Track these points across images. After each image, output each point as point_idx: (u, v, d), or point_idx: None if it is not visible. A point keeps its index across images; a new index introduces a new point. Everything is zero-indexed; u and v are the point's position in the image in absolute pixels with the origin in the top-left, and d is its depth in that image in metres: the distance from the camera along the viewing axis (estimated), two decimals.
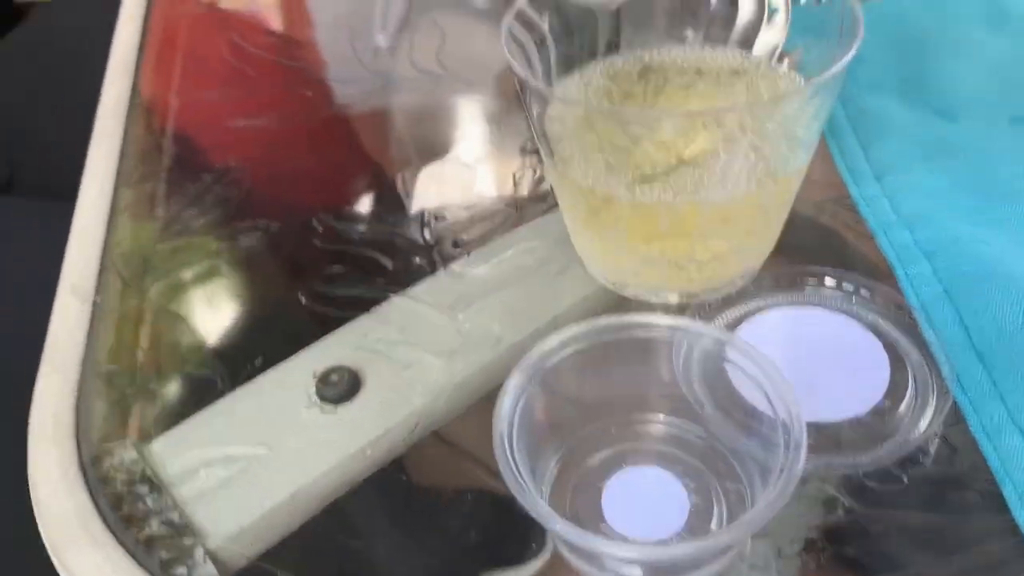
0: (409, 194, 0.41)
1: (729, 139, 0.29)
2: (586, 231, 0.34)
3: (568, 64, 0.35)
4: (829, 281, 0.33)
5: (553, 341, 0.28)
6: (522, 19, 0.33)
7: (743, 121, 0.29)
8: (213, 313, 0.37)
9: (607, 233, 0.33)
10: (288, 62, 0.51)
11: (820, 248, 0.36)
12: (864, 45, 0.43)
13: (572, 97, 0.33)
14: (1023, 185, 0.35)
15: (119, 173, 0.44)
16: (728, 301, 0.33)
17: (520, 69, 0.30)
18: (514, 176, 0.42)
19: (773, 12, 0.35)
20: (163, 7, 0.58)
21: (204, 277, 0.38)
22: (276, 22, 0.59)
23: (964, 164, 0.37)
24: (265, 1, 0.61)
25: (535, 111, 0.31)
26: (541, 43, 0.34)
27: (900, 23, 0.46)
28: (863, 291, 0.32)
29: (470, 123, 0.45)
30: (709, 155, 0.29)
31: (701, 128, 0.29)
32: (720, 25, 0.36)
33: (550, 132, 0.31)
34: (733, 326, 0.32)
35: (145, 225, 0.41)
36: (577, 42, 0.35)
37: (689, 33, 0.36)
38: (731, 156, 0.29)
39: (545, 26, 0.34)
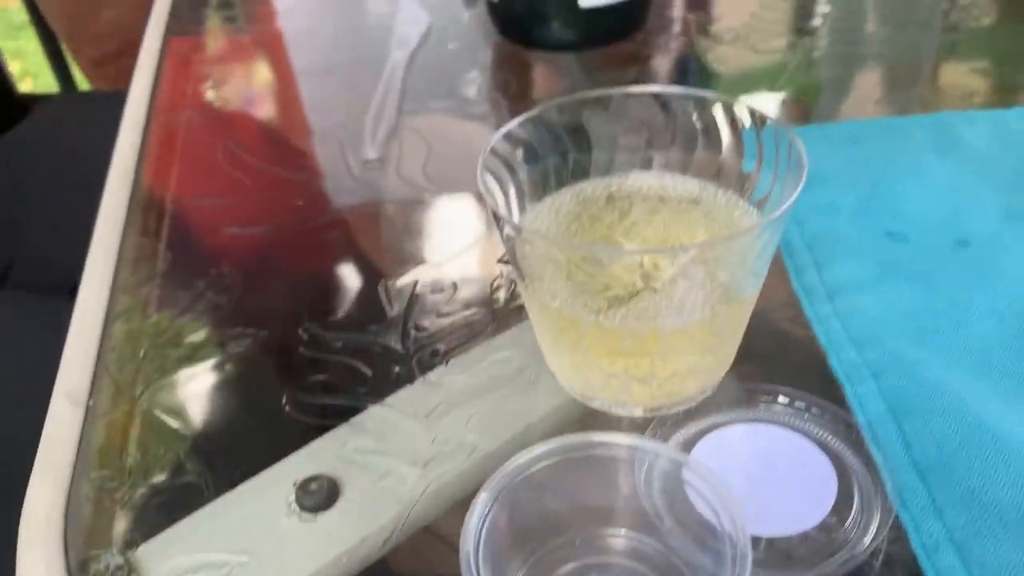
0: (391, 303, 0.43)
1: (685, 270, 0.32)
2: (555, 347, 0.36)
3: (541, 189, 0.38)
4: (782, 399, 0.35)
5: (520, 459, 0.29)
6: (497, 153, 0.35)
7: (698, 254, 0.31)
8: (201, 419, 0.39)
9: (574, 350, 0.35)
10: (282, 171, 0.54)
11: (776, 365, 0.38)
12: (823, 166, 0.47)
13: (538, 230, 0.36)
14: (963, 308, 0.38)
15: (116, 278, 0.47)
16: (689, 415, 0.35)
17: (492, 202, 0.32)
18: (492, 286, 0.44)
19: (729, 143, 0.38)
20: (164, 113, 0.61)
21: (194, 383, 0.40)
22: (274, 130, 0.62)
23: (911, 286, 0.39)
24: (265, 109, 0.64)
25: (506, 235, 0.34)
26: (514, 172, 0.37)
27: (857, 145, 0.49)
28: (814, 409, 0.34)
29: (451, 234, 0.48)
30: (667, 283, 0.32)
31: (659, 259, 0.32)
32: (682, 152, 0.39)
33: (520, 257, 0.33)
34: (692, 441, 0.34)
35: (139, 330, 0.43)
36: (549, 170, 0.38)
37: (655, 159, 0.39)
38: (687, 285, 0.32)
39: (519, 157, 0.37)
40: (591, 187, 0.39)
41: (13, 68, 2.68)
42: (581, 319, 0.33)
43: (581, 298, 0.33)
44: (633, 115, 0.38)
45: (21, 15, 1.40)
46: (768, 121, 0.35)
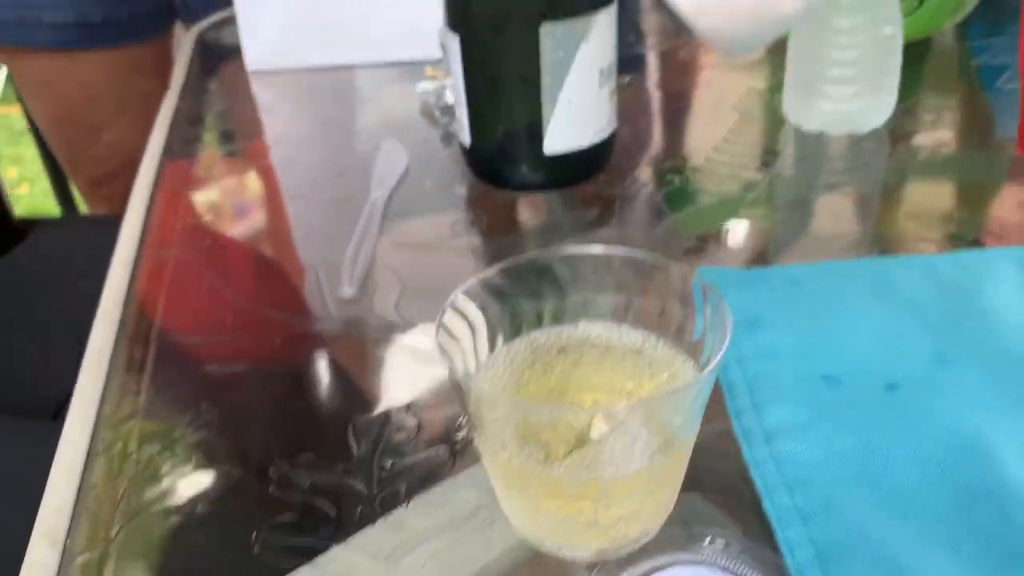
0: (358, 442, 0.46)
1: (621, 424, 0.34)
2: (506, 493, 0.38)
3: (497, 340, 0.41)
4: (720, 541, 0.37)
5: None
6: (454, 310, 0.39)
7: (635, 410, 0.34)
8: (173, 561, 0.41)
9: (523, 497, 0.37)
10: (263, 309, 0.57)
11: (716, 507, 0.40)
12: (765, 310, 0.50)
13: (486, 389, 0.39)
14: (890, 453, 0.40)
15: (99, 413, 0.49)
16: (632, 558, 0.38)
17: (446, 360, 0.35)
18: (456, 424, 0.47)
19: (666, 296, 0.41)
20: (154, 248, 0.65)
21: (168, 522, 0.42)
22: (260, 265, 0.66)
23: (843, 430, 0.42)
24: (254, 242, 0.68)
25: (458, 388, 0.36)
26: (472, 326, 0.40)
27: (798, 289, 0.52)
28: (749, 552, 0.37)
29: (418, 372, 0.51)
30: (605, 436, 0.34)
31: (599, 414, 0.35)
32: (626, 303, 0.42)
33: (471, 408, 0.36)
34: None
35: (119, 468, 0.45)
36: (505, 321, 0.41)
37: (602, 309, 0.42)
38: (624, 437, 0.35)
39: (475, 313, 0.40)
40: (544, 336, 0.42)
41: (11, 174, 2.75)
42: (528, 469, 0.35)
43: (527, 449, 0.35)
44: (581, 270, 0.42)
45: (22, 122, 1.46)
46: (695, 280, 0.38)
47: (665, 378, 0.39)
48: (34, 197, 2.55)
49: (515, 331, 0.42)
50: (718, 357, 0.34)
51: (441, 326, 0.37)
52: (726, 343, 0.35)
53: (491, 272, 0.40)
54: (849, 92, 0.67)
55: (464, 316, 0.40)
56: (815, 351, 0.47)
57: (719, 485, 0.41)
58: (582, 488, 0.36)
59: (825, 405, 0.44)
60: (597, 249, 0.41)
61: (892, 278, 0.52)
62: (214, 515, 0.43)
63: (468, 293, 0.40)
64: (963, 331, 0.48)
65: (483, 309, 0.41)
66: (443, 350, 0.36)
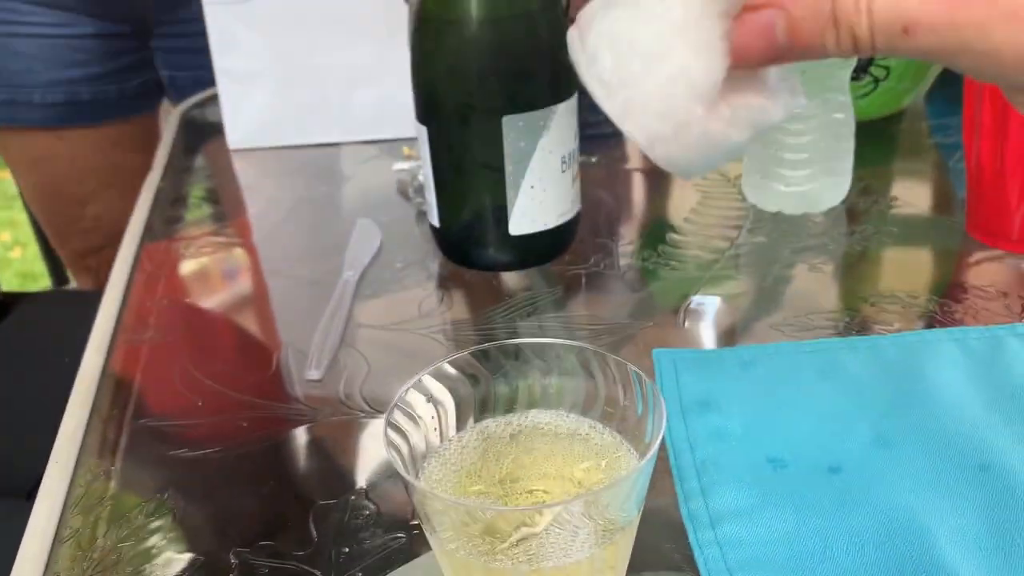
0: (317, 528, 0.47)
1: (560, 515, 0.36)
2: None
3: (448, 429, 0.43)
4: None
5: None
6: (401, 407, 0.40)
7: (574, 504, 0.36)
8: None
9: None
10: (233, 393, 0.59)
11: None
12: (715, 392, 0.52)
13: (425, 489, 0.40)
14: (829, 536, 0.42)
15: (68, 498, 0.50)
16: None
17: (393, 456, 0.37)
18: (412, 510, 0.48)
19: (606, 383, 0.43)
20: (129, 333, 0.67)
21: None
22: (235, 348, 0.67)
23: (785, 512, 0.43)
24: (230, 323, 0.69)
25: (405, 483, 0.38)
26: (419, 420, 0.41)
27: (748, 371, 0.54)
28: None
29: (379, 456, 0.52)
30: (546, 529, 0.36)
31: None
32: (573, 391, 0.44)
33: (417, 503, 0.38)
34: None
35: (84, 556, 0.46)
36: (453, 412, 0.43)
37: (551, 398, 0.44)
38: (564, 529, 0.36)
39: (423, 406, 0.42)
40: (495, 424, 0.44)
41: (4, 237, 2.78)
42: (473, 562, 0.37)
43: (471, 542, 0.37)
44: (529, 358, 0.44)
45: (14, 187, 1.49)
46: (631, 371, 0.40)
47: (604, 465, 0.40)
48: (26, 262, 2.57)
49: (464, 420, 0.43)
50: (655, 445, 0.36)
51: (389, 423, 0.39)
52: (662, 431, 0.36)
53: (442, 364, 0.42)
54: (803, 175, 0.70)
55: (413, 408, 0.41)
56: (762, 433, 0.49)
57: (664, 566, 0.42)
58: None
59: (770, 488, 0.45)
60: (541, 340, 0.43)
61: (839, 359, 0.54)
62: None
63: (418, 386, 0.41)
64: (904, 412, 0.50)
65: (433, 401, 0.42)
66: (390, 445, 0.38)
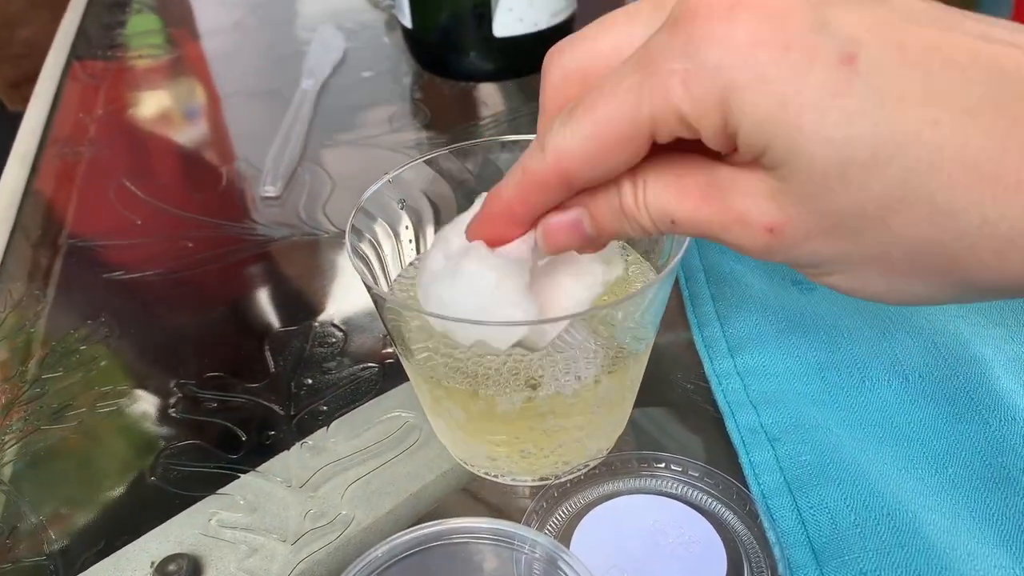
0: (274, 357, 0.41)
1: (566, 332, 0.30)
2: (435, 417, 0.34)
3: (421, 241, 0.36)
4: (675, 467, 0.33)
5: (379, 551, 0.27)
6: (369, 211, 0.33)
7: (580, 321, 0.29)
8: (56, 489, 0.36)
9: (452, 420, 0.32)
10: (176, 210, 0.51)
11: (671, 428, 0.36)
12: None
13: (399, 299, 0.34)
14: (867, 366, 0.36)
15: None
16: (578, 485, 0.33)
17: (357, 266, 0.30)
18: (384, 338, 0.42)
19: None
20: (60, 144, 0.58)
21: (53, 447, 0.37)
22: (178, 161, 0.59)
23: (815, 341, 0.38)
24: (175, 136, 0.61)
25: (375, 300, 0.31)
26: (392, 230, 0.34)
27: None
28: (707, 479, 0.32)
29: (346, 282, 0.46)
30: (547, 347, 0.29)
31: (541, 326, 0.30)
32: None
33: (389, 323, 0.31)
34: (580, 514, 0.32)
35: (5, 386, 0.40)
36: (428, 220, 0.36)
37: None
38: (569, 349, 0.30)
39: (396, 211, 0.35)
40: None
41: None
42: (456, 389, 0.31)
43: (454, 366, 0.31)
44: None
45: None
46: None
47: (614, 279, 0.34)
48: None
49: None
50: (677, 258, 0.29)
51: (353, 227, 0.32)
52: (686, 243, 0.30)
53: (415, 163, 0.35)
54: None
55: (383, 213, 0.34)
56: None
57: (677, 402, 0.37)
58: (520, 411, 0.31)
59: (796, 313, 0.39)
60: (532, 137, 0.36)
61: None
62: (107, 439, 0.38)
63: (389, 188, 0.34)
64: None
65: (408, 206, 0.35)
66: (354, 253, 0.31)
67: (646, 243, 0.34)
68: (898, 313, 0.39)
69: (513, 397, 0.30)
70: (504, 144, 0.36)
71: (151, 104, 0.65)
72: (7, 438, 0.38)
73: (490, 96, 0.61)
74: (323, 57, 0.65)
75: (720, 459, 0.34)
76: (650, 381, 0.34)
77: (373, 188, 0.33)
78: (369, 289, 0.30)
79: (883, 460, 0.32)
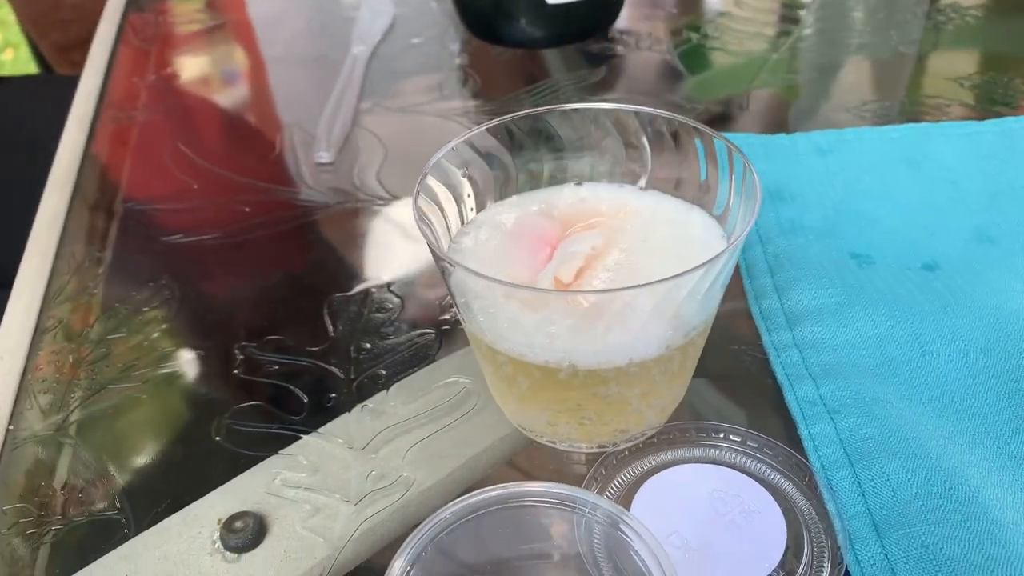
0: (334, 322, 0.41)
1: (630, 303, 0.30)
2: (496, 382, 0.34)
3: (490, 204, 0.36)
4: (734, 437, 0.33)
5: (446, 513, 0.28)
6: (439, 174, 0.33)
7: (645, 293, 0.29)
8: (126, 449, 0.37)
9: (515, 387, 0.33)
10: (232, 175, 0.52)
11: (729, 399, 0.36)
12: (789, 181, 0.45)
13: (468, 266, 0.34)
14: (927, 340, 0.36)
15: (48, 288, 0.45)
16: (636, 453, 0.34)
17: (424, 231, 0.30)
18: (441, 304, 0.42)
19: (686, 160, 0.35)
20: (115, 108, 0.59)
21: (120, 408, 0.38)
22: (231, 128, 0.60)
23: (874, 314, 0.37)
24: (226, 102, 0.62)
25: (441, 266, 0.31)
26: (457, 194, 0.35)
27: (825, 158, 0.47)
28: (766, 449, 0.33)
29: (402, 247, 0.46)
30: (610, 324, 0.30)
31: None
32: (639, 166, 0.37)
33: (454, 287, 0.31)
34: (638, 482, 0.33)
35: (68, 348, 0.41)
36: (497, 186, 0.36)
37: (614, 172, 0.37)
38: (634, 319, 0.30)
39: (462, 180, 0.35)
40: (549, 196, 0.37)
41: None
42: (519, 359, 0.31)
43: (519, 333, 0.31)
44: (583, 129, 0.36)
45: None
46: (721, 143, 0.33)
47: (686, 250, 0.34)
48: (18, 62, 2.43)
49: (507, 195, 0.37)
50: (745, 232, 0.29)
51: (420, 192, 0.32)
52: (755, 216, 0.30)
53: (479, 131, 0.35)
54: None
55: (449, 181, 0.34)
56: (844, 227, 0.42)
57: (734, 373, 0.37)
58: (582, 379, 0.31)
59: (856, 286, 0.39)
60: (603, 105, 0.36)
61: (928, 147, 0.47)
62: (171, 401, 0.39)
63: (453, 155, 0.34)
64: (1007, 206, 0.43)
65: (470, 174, 0.35)
66: (422, 218, 0.31)
67: (720, 208, 0.34)
68: (959, 289, 0.38)
69: (578, 366, 0.30)
70: (564, 113, 0.36)
71: (200, 68, 0.65)
72: (75, 396, 0.39)
73: (540, 63, 0.61)
74: (373, 23, 0.65)
75: (778, 431, 0.34)
76: (708, 352, 0.34)
77: (438, 155, 0.33)
78: (436, 257, 0.30)
79: (944, 435, 0.32)
